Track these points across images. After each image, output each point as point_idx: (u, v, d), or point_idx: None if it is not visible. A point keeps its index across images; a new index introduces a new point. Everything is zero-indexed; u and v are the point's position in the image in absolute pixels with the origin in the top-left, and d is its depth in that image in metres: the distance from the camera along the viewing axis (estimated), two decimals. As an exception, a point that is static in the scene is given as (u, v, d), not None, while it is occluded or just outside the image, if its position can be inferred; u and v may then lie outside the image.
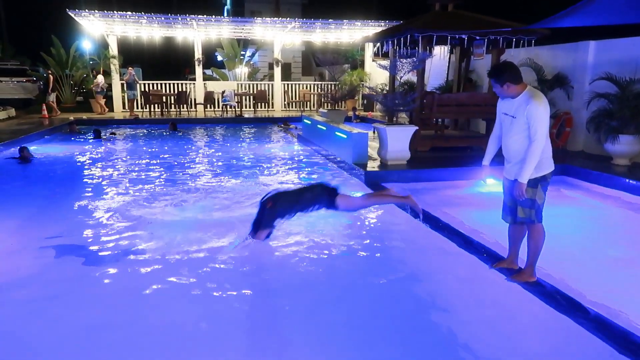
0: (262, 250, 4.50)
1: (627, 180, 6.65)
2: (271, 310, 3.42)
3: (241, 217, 5.43)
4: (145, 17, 16.11)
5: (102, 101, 17.27)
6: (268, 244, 4.53)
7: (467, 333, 3.11)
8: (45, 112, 15.28)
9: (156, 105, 17.09)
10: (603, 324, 3.12)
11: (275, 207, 4.31)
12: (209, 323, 3.23)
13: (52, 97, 15.93)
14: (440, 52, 11.41)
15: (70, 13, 15.38)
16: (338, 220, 5.37)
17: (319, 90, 19.84)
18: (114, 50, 17.88)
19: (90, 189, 6.87)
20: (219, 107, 18.03)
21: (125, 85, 17.09)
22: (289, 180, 7.61)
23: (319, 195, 4.49)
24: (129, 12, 15.94)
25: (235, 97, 17.85)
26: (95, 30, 17.43)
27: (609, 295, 3.52)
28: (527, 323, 3.27)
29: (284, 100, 19.69)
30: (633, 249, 4.76)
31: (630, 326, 3.09)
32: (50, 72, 16.09)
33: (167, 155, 9.77)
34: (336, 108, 16.46)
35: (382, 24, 17.45)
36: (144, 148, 10.86)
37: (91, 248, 4.54)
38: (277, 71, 19.55)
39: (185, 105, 17.37)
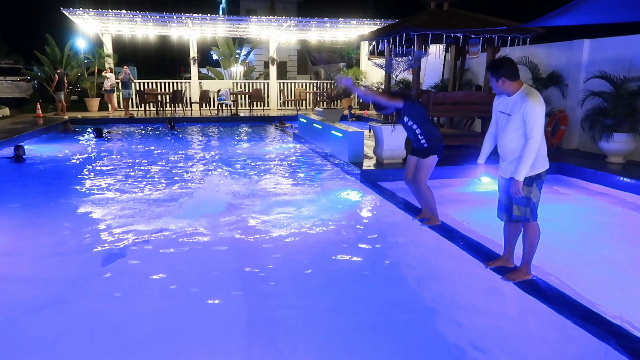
0: (261, 253, 4.50)
1: (621, 178, 6.68)
2: (268, 314, 3.42)
3: (237, 215, 5.44)
4: (140, 16, 16.05)
5: (114, 100, 17.20)
6: (268, 244, 4.53)
7: (461, 332, 3.12)
8: (40, 112, 15.17)
9: (151, 104, 17.02)
10: (598, 321, 3.14)
11: (422, 104, 5.16)
12: (206, 325, 3.22)
13: (60, 96, 15.78)
14: (436, 51, 11.41)
15: (64, 12, 15.29)
16: (336, 220, 5.38)
17: (315, 89, 19.83)
18: (108, 49, 17.81)
19: (85, 187, 6.84)
20: (214, 106, 17.98)
21: (120, 84, 17.02)
22: (286, 178, 7.60)
23: (437, 140, 4.99)
24: (124, 11, 15.86)
25: (231, 95, 17.82)
26: (90, 29, 17.35)
27: (604, 293, 3.55)
28: (522, 321, 3.28)
29: (280, 99, 19.67)
30: (627, 246, 4.78)
31: (625, 323, 3.11)
32: (57, 70, 15.99)
33: (164, 154, 9.74)
34: (332, 107, 16.47)
35: (378, 22, 17.45)
36: (140, 147, 10.82)
37: (86, 247, 4.52)
38: (273, 70, 19.51)
39: (180, 104, 17.33)
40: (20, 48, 26.03)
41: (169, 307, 3.44)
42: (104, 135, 12.14)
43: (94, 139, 11.81)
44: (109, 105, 17.26)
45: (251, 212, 5.62)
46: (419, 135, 4.97)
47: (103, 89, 17.09)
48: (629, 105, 7.77)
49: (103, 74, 16.76)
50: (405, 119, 5.00)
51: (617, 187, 6.67)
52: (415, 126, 4.97)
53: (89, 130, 13.32)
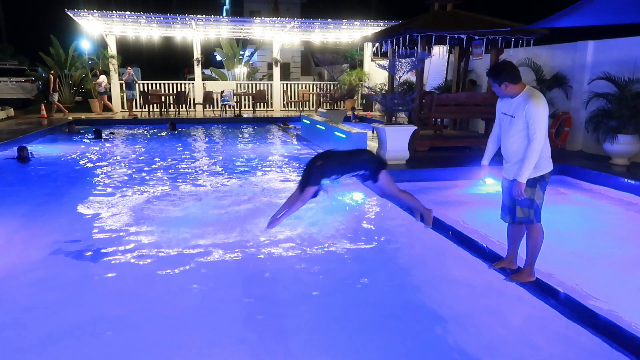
0: (263, 254, 4.50)
1: (626, 180, 6.66)
2: (270, 316, 3.42)
3: (239, 216, 5.44)
4: (144, 17, 16.10)
5: (108, 102, 17.26)
6: (270, 248, 4.54)
7: (464, 332, 3.11)
8: (45, 112, 15.23)
9: (155, 105, 17.08)
10: (602, 322, 3.13)
11: (324, 166, 4.43)
12: (208, 324, 3.23)
13: (54, 97, 15.83)
14: (439, 52, 11.42)
15: (69, 13, 15.36)
16: (337, 220, 5.38)
17: (318, 90, 19.84)
18: (112, 50, 17.87)
19: (89, 189, 6.85)
20: (218, 107, 18.02)
21: (124, 85, 17.09)
22: (288, 180, 7.61)
23: (368, 162, 4.62)
24: (128, 12, 15.93)
25: (234, 97, 17.85)
26: (94, 30, 17.42)
27: (608, 295, 3.53)
28: (526, 323, 3.28)
29: (283, 100, 19.69)
30: (632, 248, 4.76)
31: (629, 325, 3.09)
32: (51, 71, 16.00)
33: (167, 155, 9.76)
34: (335, 108, 16.46)
35: (381, 23, 17.45)
36: (143, 148, 10.84)
37: (89, 246, 4.53)
38: (276, 71, 19.54)
39: (184, 105, 17.35)
40: (25, 49, 26.14)
41: (170, 311, 3.44)
42: (103, 136, 12.16)
43: (97, 141, 11.83)
44: (110, 107, 17.28)
45: (253, 214, 5.61)
46: (357, 174, 4.68)
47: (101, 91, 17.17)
48: (634, 107, 7.74)
49: (93, 82, 16.86)
50: (333, 178, 4.55)
51: (621, 189, 6.65)
52: (346, 176, 4.67)
53: (93, 131, 13.37)
